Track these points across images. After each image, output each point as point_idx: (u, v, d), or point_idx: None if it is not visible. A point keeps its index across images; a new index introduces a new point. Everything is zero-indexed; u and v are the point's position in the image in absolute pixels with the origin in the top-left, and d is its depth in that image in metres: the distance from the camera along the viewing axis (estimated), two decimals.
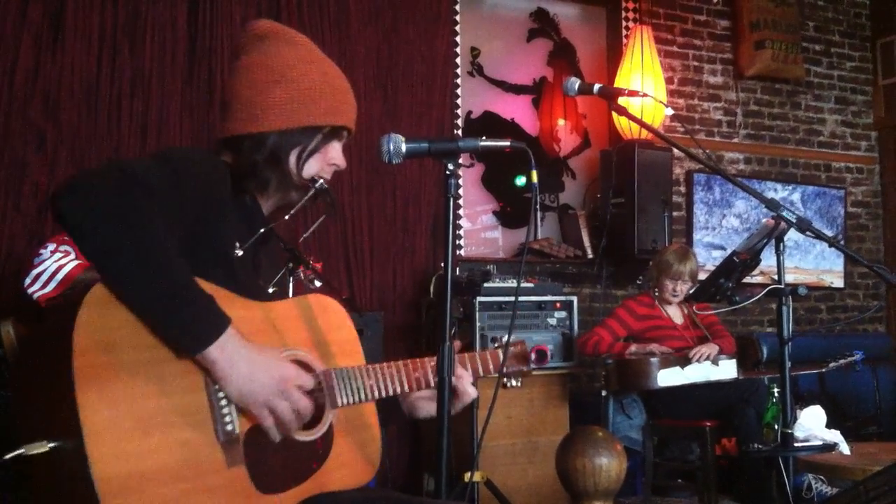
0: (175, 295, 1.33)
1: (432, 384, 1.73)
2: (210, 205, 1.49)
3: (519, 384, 2.06)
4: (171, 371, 1.35)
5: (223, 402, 1.40)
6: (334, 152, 1.68)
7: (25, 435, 1.32)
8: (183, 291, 1.34)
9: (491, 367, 1.91)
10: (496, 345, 1.99)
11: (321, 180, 1.67)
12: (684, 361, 3.80)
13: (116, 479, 1.25)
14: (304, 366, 1.55)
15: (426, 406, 1.80)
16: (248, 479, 1.42)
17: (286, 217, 1.72)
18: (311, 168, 1.65)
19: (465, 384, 1.77)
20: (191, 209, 1.45)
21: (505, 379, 1.97)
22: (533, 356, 2.03)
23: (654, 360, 3.78)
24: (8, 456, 1.29)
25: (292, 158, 1.62)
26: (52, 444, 1.27)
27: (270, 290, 1.67)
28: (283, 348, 1.52)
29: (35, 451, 1.27)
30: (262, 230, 1.63)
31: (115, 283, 1.32)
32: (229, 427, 1.40)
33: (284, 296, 1.71)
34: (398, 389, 1.70)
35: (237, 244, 1.55)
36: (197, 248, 1.47)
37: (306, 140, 1.62)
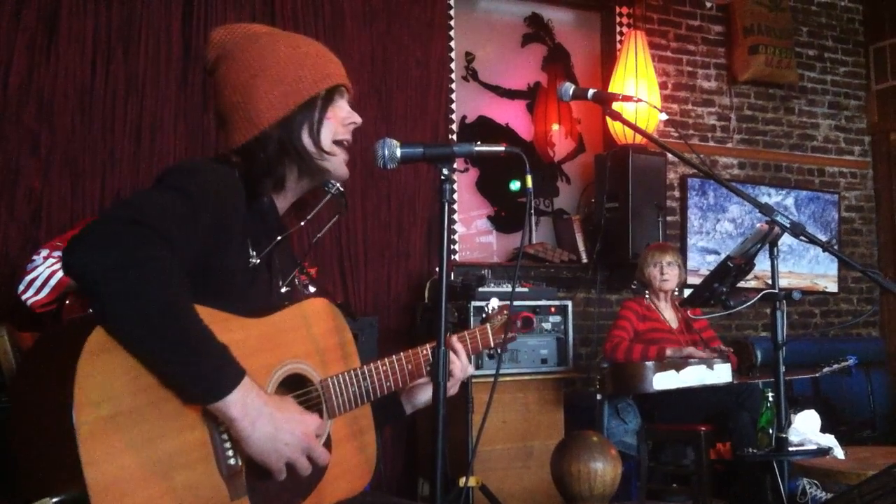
0: (188, 347, 1.30)
1: (425, 373, 1.75)
2: (227, 225, 1.48)
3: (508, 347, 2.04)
4: (170, 410, 1.33)
5: (224, 437, 1.39)
6: (342, 111, 1.67)
7: (26, 479, 1.30)
8: (196, 343, 1.31)
9: (480, 344, 1.91)
10: (483, 315, 1.98)
11: (337, 184, 1.68)
12: (680, 365, 3.80)
13: None
14: (303, 378, 1.57)
15: (423, 395, 1.81)
16: None
17: (302, 223, 1.72)
18: (327, 136, 1.64)
19: (456, 368, 1.77)
20: (208, 236, 1.42)
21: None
22: (519, 323, 2.03)
23: (649, 363, 3.78)
24: None
25: (305, 138, 1.61)
26: (56, 500, 1.23)
27: (283, 290, 1.67)
28: (281, 364, 1.53)
29: None
30: (279, 238, 1.63)
31: (126, 334, 1.28)
32: (231, 461, 1.39)
33: (296, 293, 1.71)
34: (393, 387, 1.71)
35: (254, 252, 1.56)
36: (210, 269, 1.46)
37: (308, 115, 1.61)
